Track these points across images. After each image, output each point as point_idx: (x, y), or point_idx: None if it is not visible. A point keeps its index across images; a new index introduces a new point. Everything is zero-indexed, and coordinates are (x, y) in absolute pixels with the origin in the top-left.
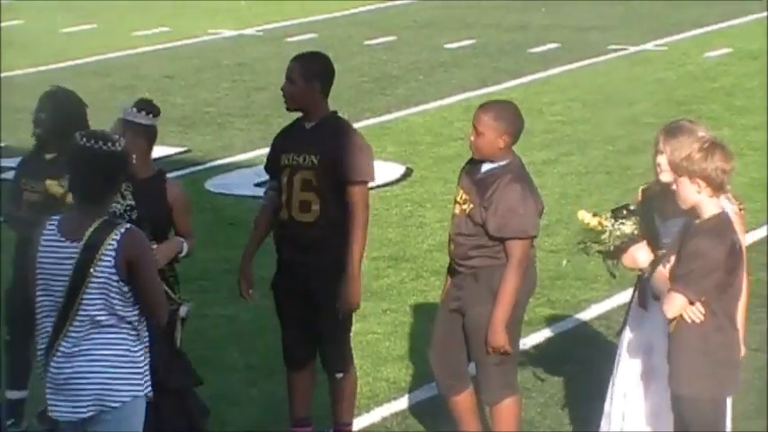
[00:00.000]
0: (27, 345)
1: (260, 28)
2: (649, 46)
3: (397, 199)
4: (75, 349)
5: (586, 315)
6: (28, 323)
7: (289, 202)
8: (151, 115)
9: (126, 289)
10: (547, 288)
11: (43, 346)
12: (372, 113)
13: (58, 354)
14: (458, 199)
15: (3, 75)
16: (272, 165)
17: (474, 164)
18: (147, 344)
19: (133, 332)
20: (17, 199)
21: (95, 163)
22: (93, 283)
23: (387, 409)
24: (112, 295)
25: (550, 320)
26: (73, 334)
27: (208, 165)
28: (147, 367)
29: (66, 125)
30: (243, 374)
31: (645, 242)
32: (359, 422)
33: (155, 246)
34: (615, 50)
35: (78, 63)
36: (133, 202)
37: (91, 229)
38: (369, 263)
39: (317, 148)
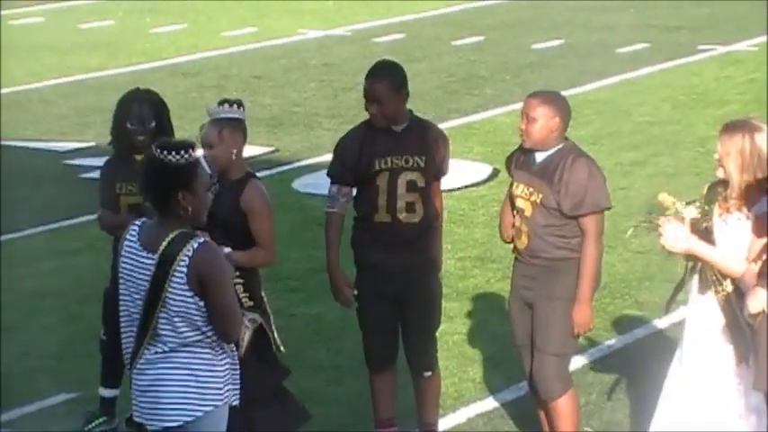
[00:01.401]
0: (120, 344)
1: (347, 28)
2: (740, 46)
3: (483, 199)
4: (157, 357)
5: (674, 317)
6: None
7: (392, 205)
8: (242, 109)
9: (202, 303)
10: (634, 289)
11: (128, 352)
12: (459, 113)
13: (142, 360)
14: (518, 193)
15: (93, 75)
16: (352, 171)
17: (526, 156)
18: (234, 352)
19: (214, 343)
20: (113, 203)
21: (165, 174)
22: (169, 297)
23: (473, 409)
24: (189, 309)
25: (638, 322)
26: (154, 343)
27: (295, 164)
28: (230, 376)
29: (158, 126)
30: (329, 374)
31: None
32: (445, 422)
33: (227, 250)
34: (705, 51)
35: (168, 63)
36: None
37: (166, 242)
38: (455, 263)
39: (421, 149)
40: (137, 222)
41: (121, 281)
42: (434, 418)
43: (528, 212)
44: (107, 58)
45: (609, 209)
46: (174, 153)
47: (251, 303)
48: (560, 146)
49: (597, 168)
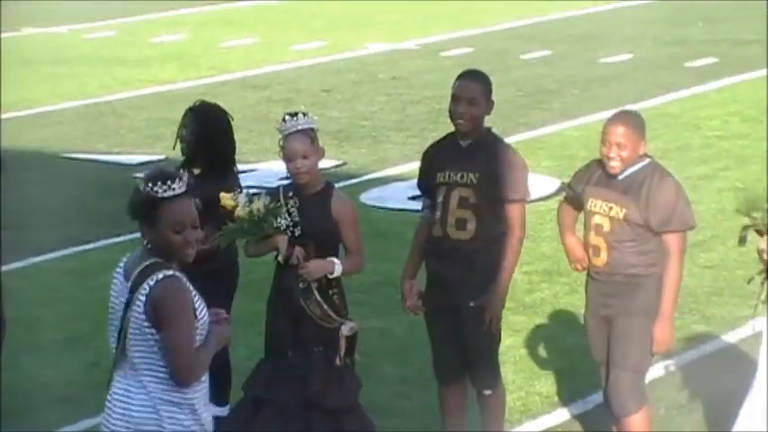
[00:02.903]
0: None
1: (416, 42)
2: None
3: (551, 213)
4: (119, 389)
5: (743, 332)
6: None
7: (444, 220)
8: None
9: (158, 337)
10: (702, 304)
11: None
12: (527, 127)
13: (111, 391)
14: (596, 210)
15: (164, 88)
16: (425, 182)
17: (603, 171)
18: (202, 390)
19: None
20: None
21: (130, 202)
22: (131, 325)
23: (539, 423)
24: (147, 340)
25: (706, 337)
26: (120, 373)
27: (363, 178)
28: (192, 418)
29: (209, 140)
30: (396, 387)
31: None
32: None
33: (336, 261)
34: None
35: (237, 76)
36: (297, 219)
37: (137, 271)
38: (522, 277)
39: (475, 165)
40: (126, 256)
41: (109, 308)
42: None
43: (607, 228)
44: (178, 72)
45: (693, 228)
46: (141, 183)
47: (345, 312)
48: (644, 162)
49: (683, 188)
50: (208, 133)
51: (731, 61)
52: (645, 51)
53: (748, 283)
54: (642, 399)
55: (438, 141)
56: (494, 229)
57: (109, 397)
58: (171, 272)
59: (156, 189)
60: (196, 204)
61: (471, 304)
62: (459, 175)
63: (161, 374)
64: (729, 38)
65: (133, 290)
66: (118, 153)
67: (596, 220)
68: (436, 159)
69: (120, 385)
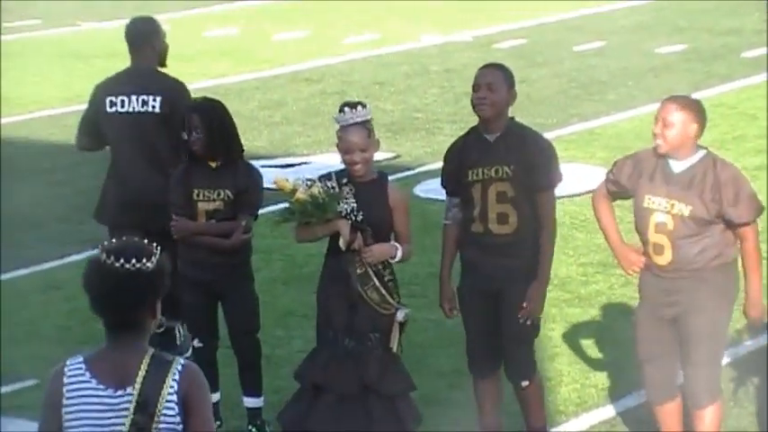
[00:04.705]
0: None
1: (468, 34)
2: None
3: None
4: None
5: None
6: None
7: (484, 216)
8: (368, 108)
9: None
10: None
11: None
12: (581, 119)
13: None
14: (654, 207)
15: (217, 82)
16: (453, 181)
17: (658, 166)
18: None
19: None
20: (189, 209)
21: (141, 285)
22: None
23: (594, 416)
24: None
25: (762, 328)
26: None
27: (417, 170)
28: None
29: (225, 133)
30: (450, 378)
31: None
32: (567, 428)
33: (368, 246)
34: None
35: (290, 70)
36: (355, 204)
37: (143, 371)
38: (577, 268)
39: (508, 158)
40: (76, 359)
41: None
42: (540, 423)
43: (671, 226)
44: (231, 66)
45: (764, 209)
46: (146, 258)
47: (398, 298)
48: (702, 154)
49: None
50: (223, 127)
51: None
52: (699, 42)
53: None
54: (716, 394)
55: (461, 138)
56: (532, 220)
57: None
58: (181, 359)
59: (158, 251)
60: (227, 196)
61: (522, 309)
62: (494, 169)
63: None
64: None
65: (150, 394)
66: None
67: (657, 218)
68: (464, 157)
69: None
